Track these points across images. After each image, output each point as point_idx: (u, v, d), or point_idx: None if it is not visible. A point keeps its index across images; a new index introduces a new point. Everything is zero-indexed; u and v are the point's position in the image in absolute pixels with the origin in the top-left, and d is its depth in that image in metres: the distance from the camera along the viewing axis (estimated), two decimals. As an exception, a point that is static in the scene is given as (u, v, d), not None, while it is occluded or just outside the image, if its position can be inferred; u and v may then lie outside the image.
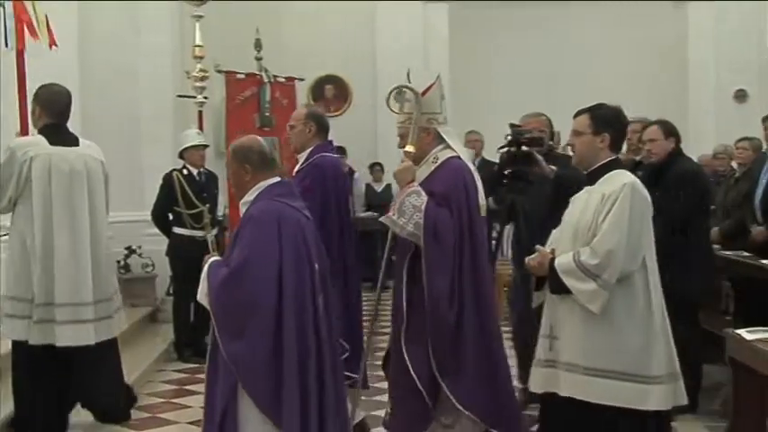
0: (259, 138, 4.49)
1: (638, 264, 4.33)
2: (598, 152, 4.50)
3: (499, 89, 14.84)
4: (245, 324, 4.05)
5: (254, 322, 4.05)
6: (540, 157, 6.43)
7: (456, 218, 4.88)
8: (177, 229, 9.00)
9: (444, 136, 5.15)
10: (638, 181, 4.45)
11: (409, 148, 5.09)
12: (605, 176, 4.48)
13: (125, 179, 9.68)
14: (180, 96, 11.08)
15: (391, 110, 5.38)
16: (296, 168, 6.03)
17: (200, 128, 10.32)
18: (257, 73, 11.61)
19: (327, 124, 6.10)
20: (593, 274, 4.29)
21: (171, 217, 9.07)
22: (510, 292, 6.87)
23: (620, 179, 4.41)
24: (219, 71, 10.60)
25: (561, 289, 4.42)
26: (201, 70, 10.43)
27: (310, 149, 5.95)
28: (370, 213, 13.94)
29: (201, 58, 10.37)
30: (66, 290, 5.83)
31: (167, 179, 9.06)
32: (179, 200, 8.95)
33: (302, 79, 13.65)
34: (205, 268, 4.23)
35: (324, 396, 4.18)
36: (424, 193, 4.93)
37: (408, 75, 5.32)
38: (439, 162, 5.11)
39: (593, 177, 4.55)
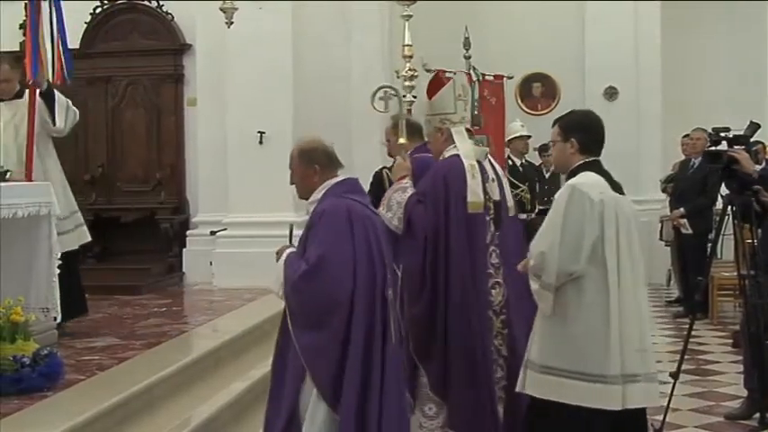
0: (319, 137, 4.52)
1: (580, 263, 4.29)
2: (570, 157, 4.58)
3: (712, 88, 14.30)
4: (319, 317, 4.11)
5: (329, 316, 4.10)
6: (742, 156, 6.26)
7: (432, 214, 4.98)
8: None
9: (454, 136, 5.20)
10: (584, 182, 4.42)
11: (402, 141, 5.47)
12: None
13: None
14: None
15: (376, 109, 6.03)
16: None
17: (409, 126, 10.40)
18: (466, 71, 11.62)
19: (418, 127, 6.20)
20: (534, 276, 4.42)
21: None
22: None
23: (571, 181, 4.48)
24: (428, 70, 10.65)
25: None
26: (410, 69, 10.49)
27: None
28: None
29: (411, 57, 10.43)
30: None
31: (377, 176, 9.17)
32: (388, 196, 9.09)
33: (511, 77, 13.59)
34: (283, 257, 4.28)
35: (384, 385, 4.18)
36: (409, 190, 5.14)
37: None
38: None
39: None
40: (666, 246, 12.09)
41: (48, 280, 6.46)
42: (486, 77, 11.73)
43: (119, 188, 11.27)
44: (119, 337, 7.05)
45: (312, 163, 4.38)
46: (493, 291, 5.05)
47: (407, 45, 10.27)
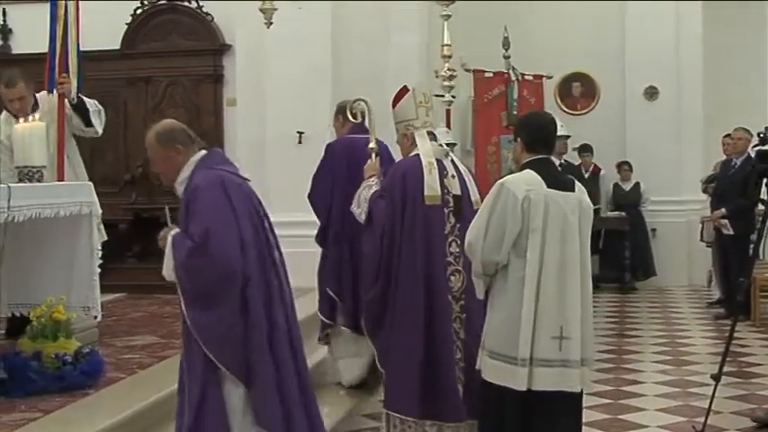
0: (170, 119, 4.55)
1: (501, 254, 4.59)
2: (519, 155, 4.90)
3: (755, 88, 14.18)
4: (214, 293, 4.08)
5: (225, 289, 4.07)
6: None
7: (390, 208, 5.43)
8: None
9: (417, 139, 5.63)
10: (513, 179, 4.70)
11: (372, 145, 6.13)
12: None
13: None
14: (428, 95, 11.18)
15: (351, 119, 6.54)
16: None
17: (448, 126, 10.39)
18: (505, 71, 11.60)
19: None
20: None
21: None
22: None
23: (503, 178, 4.77)
24: (467, 70, 10.64)
25: None
26: (449, 69, 10.50)
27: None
28: (617, 213, 13.63)
29: (450, 57, 10.44)
30: None
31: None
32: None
33: (550, 77, 13.54)
34: (168, 241, 4.20)
35: (296, 349, 4.29)
36: (375, 187, 5.72)
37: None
38: None
39: None
40: (707, 246, 12.00)
41: (89, 279, 6.49)
42: (526, 77, 11.69)
43: (158, 188, 11.34)
44: (159, 336, 7.10)
45: (174, 143, 4.31)
46: (452, 277, 5.38)
47: (446, 45, 10.33)
